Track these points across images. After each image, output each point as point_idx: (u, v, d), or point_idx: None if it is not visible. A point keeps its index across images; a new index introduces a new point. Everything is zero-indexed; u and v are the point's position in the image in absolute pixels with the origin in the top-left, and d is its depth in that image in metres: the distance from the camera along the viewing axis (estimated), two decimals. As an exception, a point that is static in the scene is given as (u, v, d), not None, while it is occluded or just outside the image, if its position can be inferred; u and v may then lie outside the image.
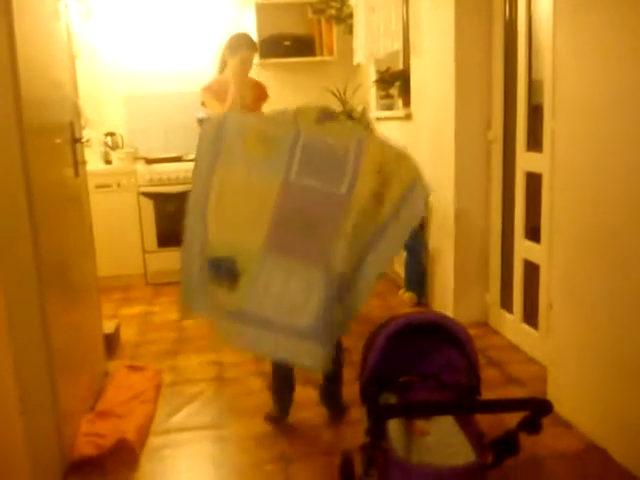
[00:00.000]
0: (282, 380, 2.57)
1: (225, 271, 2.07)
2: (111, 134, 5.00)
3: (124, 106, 5.15)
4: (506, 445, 1.51)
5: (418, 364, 1.80)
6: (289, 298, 2.03)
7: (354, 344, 3.29)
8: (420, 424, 1.76)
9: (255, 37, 5.03)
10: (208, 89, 3.81)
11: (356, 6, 4.68)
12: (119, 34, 5.02)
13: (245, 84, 3.92)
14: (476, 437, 1.63)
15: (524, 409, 1.40)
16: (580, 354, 2.42)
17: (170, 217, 4.72)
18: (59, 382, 2.25)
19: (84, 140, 2.96)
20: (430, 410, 1.48)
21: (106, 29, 4.98)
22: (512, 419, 1.52)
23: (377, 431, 1.41)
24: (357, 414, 2.36)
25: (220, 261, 2.08)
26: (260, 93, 3.97)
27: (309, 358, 2.03)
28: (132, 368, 3.10)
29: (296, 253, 2.06)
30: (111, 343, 3.36)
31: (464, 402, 1.62)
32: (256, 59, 4.09)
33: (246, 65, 3.86)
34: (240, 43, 3.82)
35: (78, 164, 2.79)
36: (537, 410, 1.39)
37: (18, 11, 2.05)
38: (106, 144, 4.98)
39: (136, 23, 5.02)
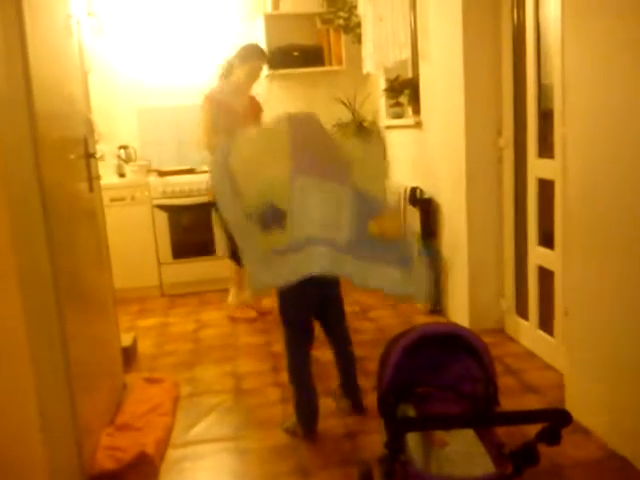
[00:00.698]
0: (306, 391, 2.58)
1: (271, 216, 2.20)
2: (124, 147, 5.05)
3: (137, 119, 5.20)
4: (525, 455, 1.51)
5: (435, 375, 1.80)
6: (327, 215, 2.17)
7: (369, 352, 3.32)
8: (439, 435, 1.77)
9: (264, 48, 5.07)
10: (210, 98, 3.83)
11: (364, 16, 4.70)
12: (131, 48, 5.08)
13: (248, 98, 3.96)
14: (495, 447, 1.63)
15: (543, 421, 1.40)
16: (597, 361, 2.41)
17: (184, 229, 4.77)
18: (78, 396, 2.27)
19: (98, 155, 2.99)
20: (448, 423, 1.49)
21: (118, 44, 5.04)
22: (532, 428, 1.51)
23: (396, 445, 1.41)
24: (375, 425, 2.37)
25: (263, 208, 2.22)
26: (256, 107, 4.03)
27: (350, 271, 2.11)
28: (150, 380, 3.12)
29: (319, 174, 2.22)
30: (128, 355, 3.38)
31: (482, 414, 1.62)
32: (265, 70, 4.13)
33: (255, 75, 3.90)
34: (251, 52, 3.87)
35: (92, 179, 2.82)
36: (556, 421, 1.39)
37: (31, 28, 2.07)
38: (119, 157, 5.03)
39: (147, 37, 5.08)
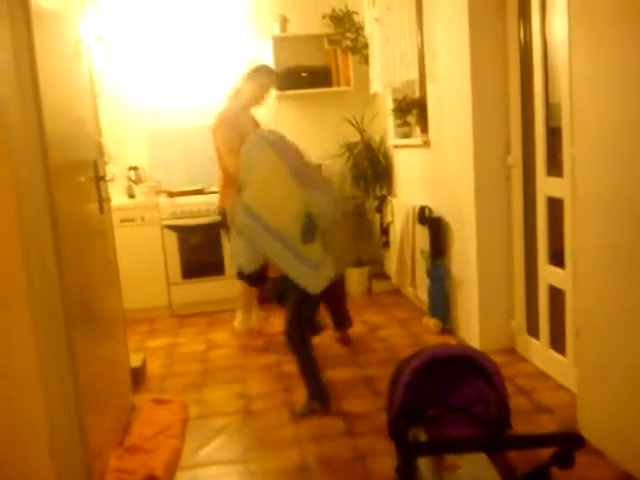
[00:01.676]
0: (317, 369, 3.03)
1: (307, 229, 2.81)
2: (134, 168, 5.08)
3: (146, 141, 5.24)
4: (538, 479, 1.49)
5: (446, 397, 1.78)
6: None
7: (378, 372, 3.31)
8: (450, 458, 1.75)
9: (273, 68, 5.11)
10: (225, 122, 3.82)
11: (371, 37, 4.74)
12: (140, 71, 5.13)
13: (250, 117, 3.97)
14: (507, 471, 1.60)
15: (555, 444, 1.38)
16: (610, 381, 2.38)
17: (193, 249, 4.78)
18: (87, 418, 2.27)
19: (108, 177, 3.02)
20: (460, 447, 1.47)
21: (127, 67, 5.10)
22: (544, 450, 1.50)
23: (407, 470, 1.40)
24: (385, 447, 2.34)
25: (302, 223, 2.81)
26: (257, 127, 4.03)
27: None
28: (158, 402, 3.12)
29: (306, 177, 2.86)
30: (138, 376, 3.38)
31: (494, 438, 1.60)
32: (274, 91, 4.13)
33: (262, 92, 3.91)
34: (259, 70, 3.90)
35: (102, 201, 2.84)
36: (569, 444, 1.37)
37: (41, 53, 2.10)
38: (129, 178, 5.06)
39: (156, 59, 5.14)
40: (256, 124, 4.03)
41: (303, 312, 3.03)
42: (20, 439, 1.95)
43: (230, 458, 2.62)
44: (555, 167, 3.01)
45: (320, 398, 2.99)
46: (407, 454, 1.40)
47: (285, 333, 3.05)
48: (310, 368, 3.03)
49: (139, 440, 2.70)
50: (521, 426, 2.24)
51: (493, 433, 1.64)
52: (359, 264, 5.16)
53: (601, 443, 2.40)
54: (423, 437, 1.74)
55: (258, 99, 3.94)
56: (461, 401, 1.79)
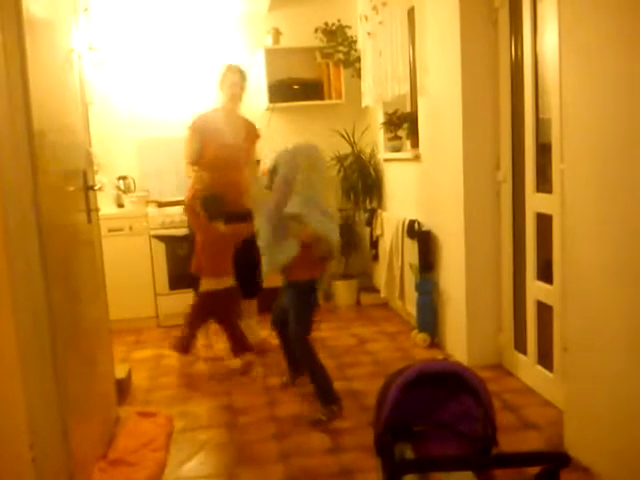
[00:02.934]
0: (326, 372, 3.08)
1: None
2: (123, 178, 5.07)
3: (136, 150, 5.22)
4: (524, 497, 1.48)
5: (433, 413, 1.77)
6: None
7: (366, 386, 3.30)
8: (437, 475, 1.73)
9: (265, 81, 5.14)
10: (192, 126, 3.87)
11: (364, 50, 4.77)
12: (130, 81, 5.13)
13: (236, 118, 3.98)
14: (494, 488, 1.59)
15: (542, 463, 1.38)
16: (597, 397, 2.38)
17: (181, 259, 4.74)
18: (71, 429, 2.24)
19: (97, 187, 3.00)
20: (447, 466, 1.46)
21: (118, 76, 5.09)
22: (531, 467, 1.49)
23: (393, 486, 1.38)
24: (371, 463, 2.32)
25: None
26: (251, 132, 4.03)
27: None
28: (143, 414, 3.08)
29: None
30: (123, 388, 3.34)
31: (481, 457, 1.59)
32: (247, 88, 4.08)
33: (233, 89, 3.92)
34: (227, 70, 3.94)
35: (91, 211, 2.82)
36: (555, 463, 1.36)
37: (32, 61, 2.09)
38: (118, 187, 5.04)
39: (146, 70, 5.14)
40: (250, 129, 4.02)
41: (307, 305, 3.12)
42: (2, 449, 1.92)
43: (214, 472, 2.59)
44: (544, 183, 3.02)
45: (336, 400, 3.04)
46: (393, 472, 1.39)
47: (295, 336, 3.11)
48: (322, 370, 3.07)
49: (123, 453, 2.67)
50: (507, 443, 2.24)
51: (480, 451, 1.63)
52: (348, 276, 5.15)
53: (588, 460, 2.40)
54: (410, 453, 1.73)
55: (234, 97, 3.94)
56: (448, 417, 1.78)
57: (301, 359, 3.17)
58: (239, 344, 3.81)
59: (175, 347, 3.92)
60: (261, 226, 3.07)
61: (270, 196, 3.06)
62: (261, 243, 3.06)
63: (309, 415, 3.01)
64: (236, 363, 3.80)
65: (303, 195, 2.98)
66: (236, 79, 3.91)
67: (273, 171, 3.08)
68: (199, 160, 3.84)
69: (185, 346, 3.91)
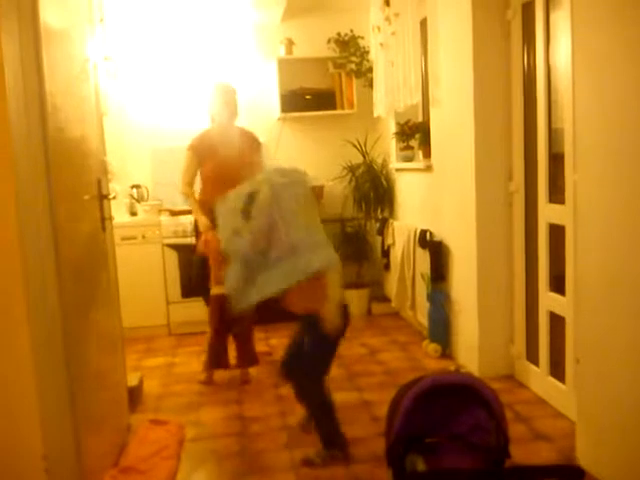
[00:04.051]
0: (334, 413, 2.71)
1: None
2: (137, 186, 5.11)
3: (150, 159, 5.27)
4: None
5: (445, 425, 1.77)
6: None
7: (377, 396, 3.29)
8: (448, 486, 1.73)
9: (277, 91, 5.17)
10: (190, 148, 3.92)
11: (376, 61, 4.79)
12: (145, 91, 5.18)
13: (235, 132, 3.99)
14: (506, 501, 1.59)
15: (555, 476, 1.37)
16: (610, 409, 2.36)
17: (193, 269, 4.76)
18: (83, 437, 2.25)
19: (111, 196, 3.02)
20: (458, 479, 1.45)
21: (132, 86, 5.15)
22: None
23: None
24: (383, 473, 2.32)
25: None
26: (252, 142, 4.02)
27: None
28: (155, 422, 3.09)
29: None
30: (134, 396, 3.35)
31: (493, 470, 1.59)
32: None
33: (231, 107, 3.93)
34: (216, 85, 3.97)
35: (105, 219, 2.84)
36: (568, 477, 1.36)
37: (49, 71, 2.12)
38: (132, 196, 5.08)
39: (161, 80, 5.19)
40: (249, 138, 4.02)
41: (324, 349, 2.72)
42: (16, 457, 1.94)
43: (226, 481, 2.60)
44: (557, 193, 3.01)
45: (340, 444, 2.72)
46: (405, 483, 1.39)
47: (304, 375, 2.77)
48: (329, 411, 2.72)
49: (134, 461, 2.67)
50: (519, 454, 2.22)
51: (492, 464, 1.63)
52: (359, 286, 5.15)
53: (600, 472, 2.38)
54: (421, 465, 1.73)
55: (230, 115, 3.94)
56: (460, 429, 1.78)
57: (305, 398, 2.81)
58: (248, 356, 3.83)
59: (205, 369, 3.81)
60: (230, 270, 2.55)
61: (246, 237, 2.49)
62: (229, 288, 2.56)
63: (305, 454, 2.72)
64: (251, 373, 3.83)
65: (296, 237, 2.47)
66: (228, 98, 3.94)
67: (251, 198, 2.49)
68: (202, 177, 3.94)
69: (215, 362, 3.81)
